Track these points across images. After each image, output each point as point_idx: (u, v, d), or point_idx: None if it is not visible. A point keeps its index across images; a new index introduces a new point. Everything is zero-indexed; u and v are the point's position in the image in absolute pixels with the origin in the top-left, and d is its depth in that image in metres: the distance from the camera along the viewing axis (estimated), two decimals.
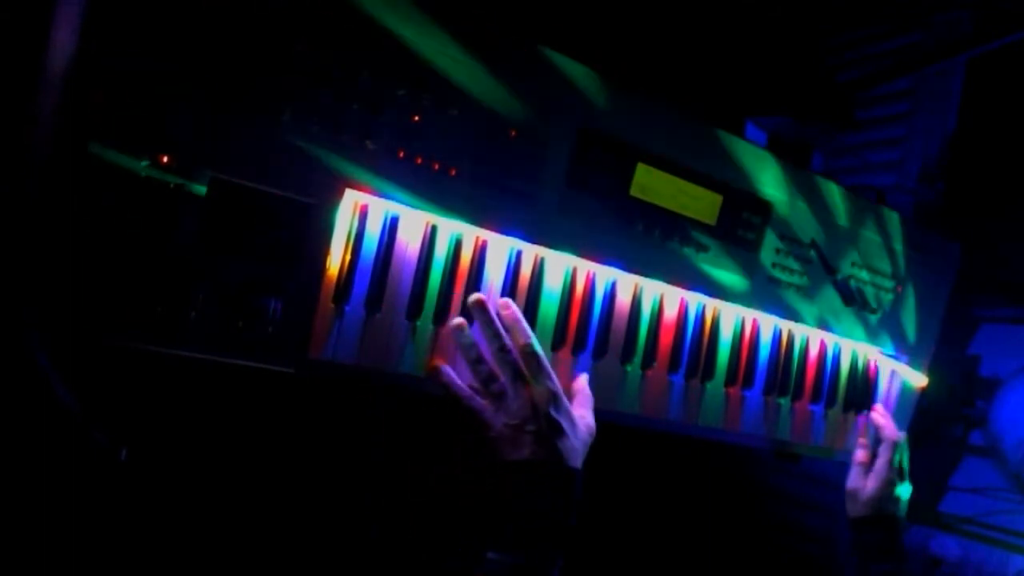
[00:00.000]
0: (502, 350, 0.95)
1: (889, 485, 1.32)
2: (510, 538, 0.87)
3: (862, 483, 1.34)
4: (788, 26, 1.77)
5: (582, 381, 1.08)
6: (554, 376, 0.97)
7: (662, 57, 1.61)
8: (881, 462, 1.34)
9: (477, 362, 0.96)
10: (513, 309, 0.98)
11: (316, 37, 0.85)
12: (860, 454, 1.38)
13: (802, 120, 1.69)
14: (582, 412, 1.01)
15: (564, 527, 0.90)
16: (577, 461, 0.95)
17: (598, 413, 1.03)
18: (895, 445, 1.35)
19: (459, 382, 0.97)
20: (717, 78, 1.68)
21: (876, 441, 1.39)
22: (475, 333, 0.98)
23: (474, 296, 0.97)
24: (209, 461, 1.12)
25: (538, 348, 0.97)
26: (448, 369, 0.98)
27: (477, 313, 0.97)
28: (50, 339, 0.74)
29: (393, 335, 0.96)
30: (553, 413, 0.94)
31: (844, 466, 1.69)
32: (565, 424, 0.94)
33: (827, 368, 1.38)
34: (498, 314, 0.98)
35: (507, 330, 0.97)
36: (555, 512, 0.90)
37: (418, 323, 0.98)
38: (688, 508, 1.64)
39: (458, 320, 0.98)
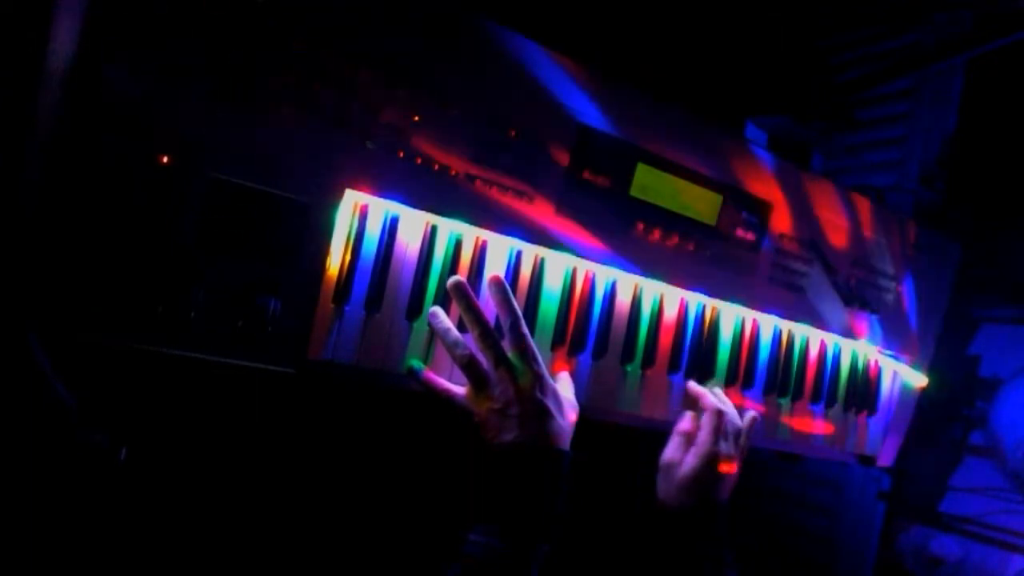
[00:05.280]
0: (483, 335, 0.93)
1: (712, 462, 1.09)
2: (493, 521, 0.85)
3: (679, 456, 1.11)
4: (788, 26, 1.77)
5: (563, 373, 1.07)
6: (539, 357, 0.95)
7: (662, 57, 1.61)
8: (702, 434, 1.11)
9: (455, 346, 0.94)
10: (503, 285, 0.96)
11: (316, 37, 0.85)
12: (685, 422, 1.15)
13: (802, 120, 1.69)
14: (566, 394, 1.00)
15: (550, 513, 0.88)
16: (565, 443, 0.94)
17: (598, 413, 1.03)
18: (720, 413, 1.13)
19: (437, 379, 0.96)
20: (717, 78, 1.68)
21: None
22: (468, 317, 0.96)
23: (453, 279, 0.94)
24: (209, 461, 1.11)
25: (524, 328, 0.95)
26: (427, 371, 0.97)
27: (457, 296, 0.94)
28: (50, 339, 0.74)
29: (393, 335, 0.96)
30: (538, 395, 0.92)
31: (844, 466, 1.69)
32: (551, 405, 0.93)
33: (827, 368, 1.38)
34: (488, 289, 0.97)
35: (496, 306, 0.96)
36: (541, 497, 0.88)
37: (417, 323, 0.98)
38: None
39: (434, 308, 0.96)
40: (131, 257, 0.78)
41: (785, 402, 1.33)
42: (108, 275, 0.77)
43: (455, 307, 0.97)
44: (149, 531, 1.05)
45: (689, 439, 1.13)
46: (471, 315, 0.94)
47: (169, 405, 1.05)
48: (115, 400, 0.85)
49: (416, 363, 0.97)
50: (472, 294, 0.95)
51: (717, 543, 1.07)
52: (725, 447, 1.11)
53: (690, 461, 1.09)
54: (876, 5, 1.70)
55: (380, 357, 0.95)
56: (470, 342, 0.95)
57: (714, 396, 1.18)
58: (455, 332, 0.95)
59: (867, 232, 1.36)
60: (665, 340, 1.19)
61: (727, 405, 1.18)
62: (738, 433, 1.15)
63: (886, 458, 1.49)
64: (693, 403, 1.19)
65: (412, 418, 1.24)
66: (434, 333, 0.97)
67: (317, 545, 1.23)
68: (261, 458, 1.16)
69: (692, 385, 1.21)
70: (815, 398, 1.36)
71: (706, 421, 1.12)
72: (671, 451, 1.13)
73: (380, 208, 0.95)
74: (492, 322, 0.97)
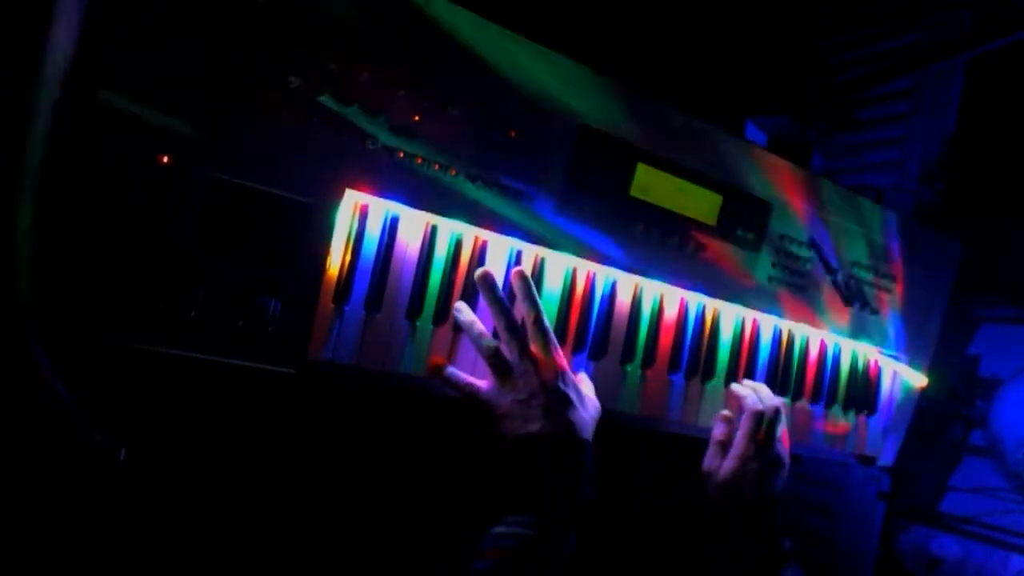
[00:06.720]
0: (509, 326, 0.95)
1: (747, 463, 1.11)
2: (520, 511, 0.86)
3: (717, 463, 1.15)
4: (788, 26, 1.77)
5: (582, 373, 1.09)
6: (560, 350, 0.97)
7: (662, 57, 1.61)
8: (738, 437, 1.14)
9: (480, 338, 0.96)
10: (527, 279, 0.98)
11: (316, 37, 0.85)
12: (718, 430, 1.18)
13: (802, 120, 1.69)
14: (587, 392, 1.02)
15: (576, 500, 0.89)
16: (587, 433, 0.95)
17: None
18: (759, 416, 1.14)
19: (461, 374, 0.98)
20: (717, 78, 1.68)
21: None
22: (479, 309, 0.99)
23: (480, 270, 0.97)
24: (209, 461, 1.11)
25: (546, 321, 0.97)
26: (450, 368, 0.98)
27: (483, 288, 0.97)
28: (50, 339, 0.74)
29: (393, 335, 0.96)
30: (561, 386, 0.94)
31: (844, 466, 1.69)
32: (573, 396, 0.95)
33: (827, 368, 1.38)
34: (510, 281, 0.99)
35: (519, 299, 0.98)
36: (566, 485, 0.89)
37: (418, 323, 0.98)
38: (687, 508, 1.64)
39: (459, 303, 0.98)
40: (131, 257, 0.78)
41: (785, 402, 1.32)
42: (108, 275, 0.77)
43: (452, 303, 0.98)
44: (149, 531, 1.05)
45: (724, 445, 1.16)
46: (497, 307, 0.96)
47: (169, 405, 1.05)
48: (115, 400, 0.85)
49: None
50: (499, 286, 0.97)
51: (771, 535, 1.10)
52: (764, 447, 1.13)
53: (727, 465, 1.13)
54: (876, 5, 1.70)
55: (380, 357, 0.95)
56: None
57: (755, 396, 1.19)
58: (480, 325, 0.97)
59: (867, 232, 1.36)
60: (665, 340, 1.19)
61: (768, 401, 1.18)
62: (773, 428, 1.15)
63: (886, 458, 1.49)
64: (735, 403, 1.20)
65: (412, 418, 1.24)
66: (436, 334, 0.98)
67: (317, 545, 1.23)
68: (261, 458, 1.16)
69: (735, 387, 1.21)
70: (815, 398, 1.36)
71: (744, 422, 1.15)
72: (708, 459, 1.17)
73: (380, 208, 0.95)
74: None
